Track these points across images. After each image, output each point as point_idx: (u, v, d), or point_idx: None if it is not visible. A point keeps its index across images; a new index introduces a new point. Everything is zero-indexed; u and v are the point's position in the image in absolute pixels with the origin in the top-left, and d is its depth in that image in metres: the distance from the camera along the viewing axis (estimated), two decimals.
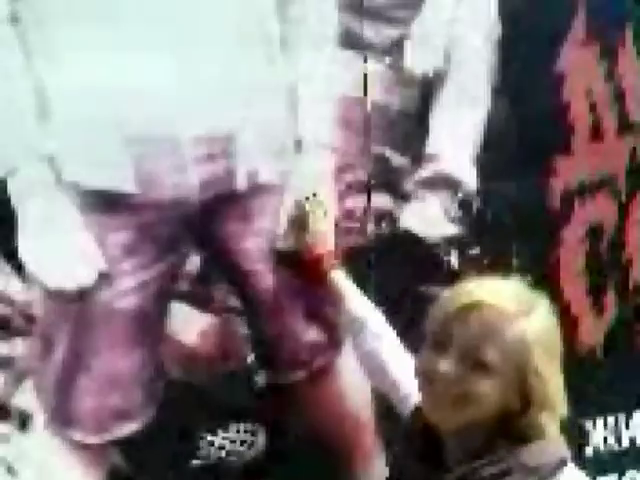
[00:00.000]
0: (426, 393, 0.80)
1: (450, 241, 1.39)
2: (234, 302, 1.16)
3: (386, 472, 0.93)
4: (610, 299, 1.64)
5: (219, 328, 1.14)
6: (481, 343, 0.75)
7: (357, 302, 1.16)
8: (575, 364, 1.50)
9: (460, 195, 1.40)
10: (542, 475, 0.75)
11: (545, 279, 1.50)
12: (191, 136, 1.11)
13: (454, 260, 1.40)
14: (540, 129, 1.50)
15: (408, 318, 1.26)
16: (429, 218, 1.36)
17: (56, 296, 1.02)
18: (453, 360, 0.77)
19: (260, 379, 1.16)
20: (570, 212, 1.58)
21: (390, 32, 1.32)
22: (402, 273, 1.35)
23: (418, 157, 1.35)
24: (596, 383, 1.55)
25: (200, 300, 1.14)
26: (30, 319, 1.03)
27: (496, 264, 1.47)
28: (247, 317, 1.16)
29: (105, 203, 1.05)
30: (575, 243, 1.58)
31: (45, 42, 1.08)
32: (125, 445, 1.06)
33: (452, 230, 1.39)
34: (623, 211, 1.66)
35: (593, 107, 1.58)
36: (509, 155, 1.46)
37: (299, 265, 1.19)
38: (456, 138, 1.39)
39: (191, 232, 1.13)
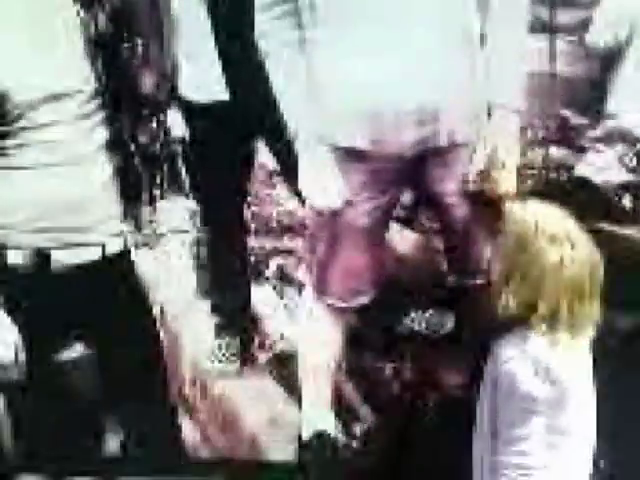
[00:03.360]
0: None
1: (624, 186, 1.79)
2: (435, 225, 1.79)
3: None
4: None
5: (423, 243, 1.78)
6: None
7: None
8: None
9: (637, 147, 1.78)
10: None
11: None
12: (408, 109, 1.73)
13: (627, 202, 1.79)
14: None
15: None
16: (604, 167, 1.77)
17: (319, 214, 1.77)
18: None
19: (451, 280, 1.78)
20: None
21: (576, 14, 1.73)
22: (576, 214, 1.79)
23: (597, 116, 1.76)
24: None
25: (411, 223, 1.79)
26: (305, 227, 1.81)
27: None
28: (444, 236, 1.79)
29: (349, 156, 1.73)
30: None
31: (319, 42, 1.79)
32: (358, 312, 1.80)
33: (627, 177, 1.78)
34: None
35: None
36: None
37: (485, 201, 1.75)
38: (636, 99, 1.75)
39: (406, 175, 1.76)
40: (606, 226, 1.74)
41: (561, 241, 1.39)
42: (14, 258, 1.90)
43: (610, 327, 1.53)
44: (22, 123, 1.86)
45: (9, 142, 1.88)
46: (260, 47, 1.74)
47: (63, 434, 1.93)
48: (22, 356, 1.96)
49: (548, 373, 1.44)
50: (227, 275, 1.86)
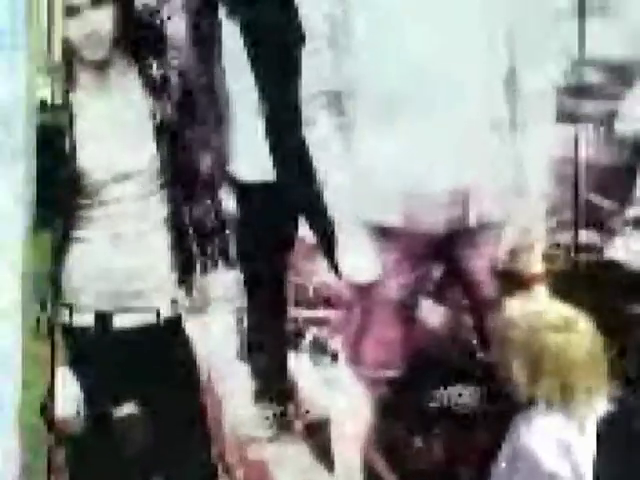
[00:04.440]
0: None
1: None
2: (464, 301, 1.89)
3: None
4: None
5: (452, 318, 1.87)
6: None
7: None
8: None
9: None
10: None
11: None
12: (441, 191, 1.87)
13: None
14: None
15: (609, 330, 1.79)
16: (634, 250, 1.83)
17: (354, 287, 1.91)
18: None
19: (480, 356, 1.85)
20: None
21: (603, 105, 1.84)
22: (607, 296, 1.85)
23: (626, 201, 1.83)
24: None
25: (441, 298, 1.88)
26: (340, 298, 1.94)
27: None
28: (473, 312, 1.88)
29: (384, 233, 1.88)
30: None
31: (358, 127, 1.97)
32: (390, 384, 1.89)
33: None
34: None
35: None
36: None
37: (514, 281, 1.84)
38: None
39: (437, 253, 1.88)
40: (637, 308, 1.78)
41: (562, 329, 1.49)
42: (80, 320, 2.13)
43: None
44: (95, 199, 2.12)
45: (83, 215, 2.14)
46: (304, 133, 1.94)
47: None
48: (82, 412, 2.15)
49: (569, 450, 1.49)
50: (267, 342, 2.01)
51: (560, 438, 1.52)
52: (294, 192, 1.99)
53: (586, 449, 1.52)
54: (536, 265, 1.80)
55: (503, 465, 1.56)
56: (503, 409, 1.79)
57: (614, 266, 1.83)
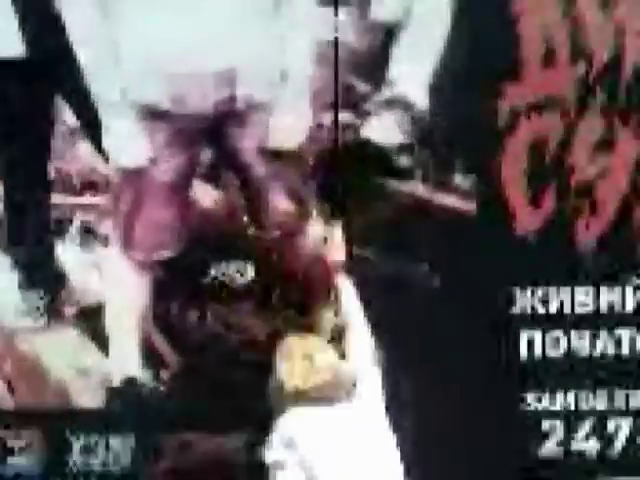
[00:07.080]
0: None
1: (402, 148, 2.09)
2: (235, 182, 1.98)
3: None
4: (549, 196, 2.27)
5: (225, 198, 1.97)
6: None
7: None
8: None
9: (412, 113, 2.08)
10: None
11: (486, 178, 2.16)
12: (207, 72, 1.88)
13: (405, 162, 2.10)
14: (492, 59, 2.11)
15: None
16: (385, 130, 2.06)
17: (124, 171, 1.90)
18: None
19: (251, 232, 1.99)
20: (515, 127, 2.20)
21: None
22: (362, 171, 2.07)
23: (379, 83, 2.03)
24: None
25: (212, 180, 1.96)
26: (109, 183, 1.91)
27: (440, 165, 2.15)
28: (244, 192, 1.99)
29: (152, 115, 1.87)
30: (518, 151, 2.22)
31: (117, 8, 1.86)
32: (164, 264, 1.95)
33: (404, 139, 2.08)
34: (570, 128, 2.26)
35: (548, 40, 2.14)
36: (460, 81, 2.10)
37: (281, 160, 1.97)
38: (412, 67, 2.04)
39: (207, 135, 1.93)
40: (387, 182, 2.03)
41: None
42: None
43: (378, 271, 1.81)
44: None
45: None
46: (58, 2, 1.80)
47: None
48: None
49: None
50: (29, 231, 1.92)
51: None
52: (48, 69, 1.86)
53: None
54: (298, 143, 1.92)
55: None
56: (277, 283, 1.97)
57: (368, 145, 2.04)
